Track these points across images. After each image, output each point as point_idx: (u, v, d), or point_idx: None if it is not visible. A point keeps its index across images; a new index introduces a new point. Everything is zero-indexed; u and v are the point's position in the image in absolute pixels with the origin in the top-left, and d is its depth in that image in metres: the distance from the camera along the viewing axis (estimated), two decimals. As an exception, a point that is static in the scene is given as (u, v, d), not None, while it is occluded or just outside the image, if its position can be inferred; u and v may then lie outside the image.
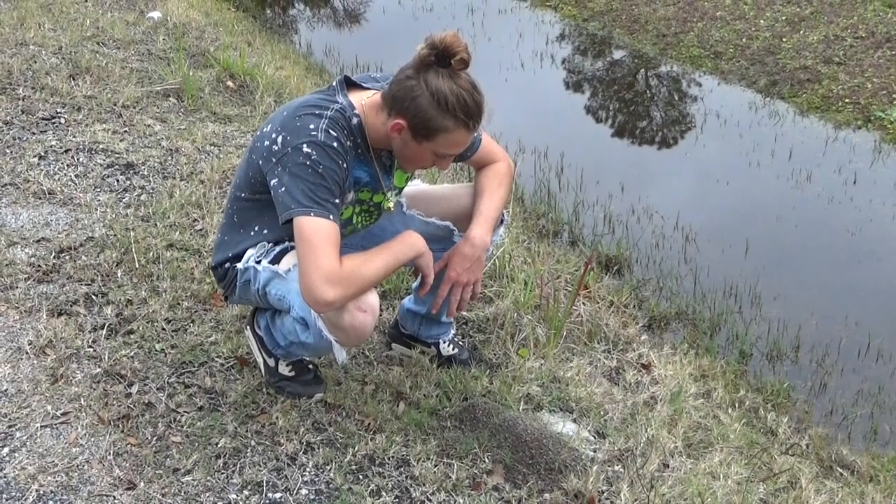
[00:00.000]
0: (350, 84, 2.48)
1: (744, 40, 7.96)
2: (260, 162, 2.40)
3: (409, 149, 2.37)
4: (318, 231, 2.26)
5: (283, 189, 2.31)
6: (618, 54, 8.60)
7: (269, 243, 2.55)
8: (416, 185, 2.87)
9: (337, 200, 2.32)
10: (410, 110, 2.28)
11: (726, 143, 6.58)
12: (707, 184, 6.01)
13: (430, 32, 2.29)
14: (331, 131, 2.32)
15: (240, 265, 2.56)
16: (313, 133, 2.31)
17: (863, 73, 7.01)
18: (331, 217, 2.28)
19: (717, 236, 5.19)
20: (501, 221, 2.82)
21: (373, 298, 2.38)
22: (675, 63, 8.09)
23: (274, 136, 2.36)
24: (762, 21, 8.14)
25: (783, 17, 8.09)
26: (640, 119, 7.46)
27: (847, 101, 6.77)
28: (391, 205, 2.63)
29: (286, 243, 2.52)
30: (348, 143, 2.38)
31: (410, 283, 3.43)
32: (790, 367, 4.21)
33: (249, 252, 2.55)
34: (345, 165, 2.35)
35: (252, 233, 2.56)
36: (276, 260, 2.49)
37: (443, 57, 2.24)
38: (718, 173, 6.09)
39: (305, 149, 2.29)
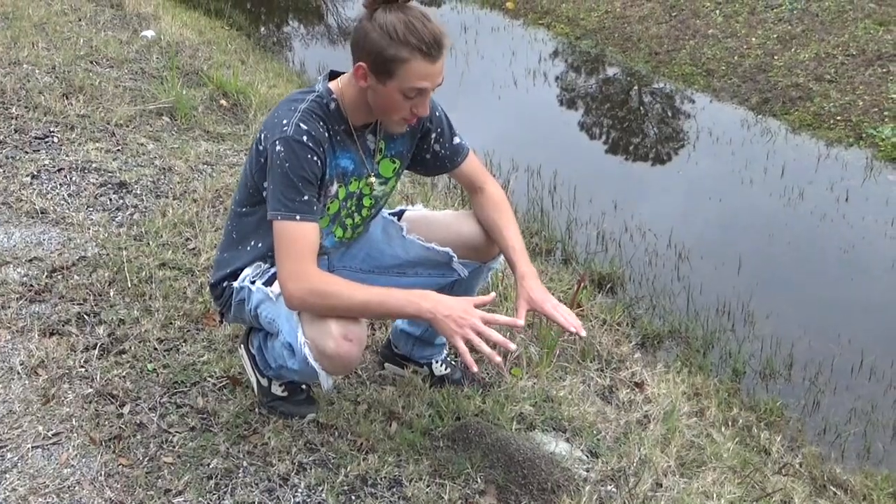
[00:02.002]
0: (335, 76, 2.48)
1: (736, 58, 7.99)
2: (250, 165, 2.43)
3: (379, 95, 2.33)
4: (282, 234, 2.30)
5: (268, 189, 2.35)
6: (610, 72, 8.63)
7: (265, 264, 2.56)
8: (417, 210, 2.86)
9: (306, 197, 2.31)
10: (366, 49, 2.26)
11: (719, 160, 6.60)
12: (699, 201, 6.03)
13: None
14: (301, 125, 2.32)
15: (236, 284, 2.57)
16: (284, 128, 2.32)
17: (854, 90, 7.04)
18: (297, 218, 2.29)
19: (710, 254, 5.20)
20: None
21: (359, 329, 2.36)
22: (667, 80, 8.12)
23: (259, 135, 2.40)
24: (754, 39, 8.18)
25: (774, 35, 8.13)
26: (632, 136, 7.48)
27: (839, 118, 6.80)
28: (376, 192, 2.61)
29: None
30: (325, 131, 2.37)
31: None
32: (783, 385, 4.21)
33: (246, 272, 2.56)
34: (315, 158, 2.33)
35: (248, 247, 2.56)
36: (269, 282, 2.49)
37: None
38: (711, 190, 6.10)
39: (277, 147, 2.31)
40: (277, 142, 2.31)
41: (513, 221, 2.69)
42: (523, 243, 2.66)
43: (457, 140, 2.65)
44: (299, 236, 2.30)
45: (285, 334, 2.40)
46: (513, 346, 2.34)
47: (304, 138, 2.31)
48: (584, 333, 2.52)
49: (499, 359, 2.29)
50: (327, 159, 2.40)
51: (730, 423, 3.59)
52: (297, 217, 2.29)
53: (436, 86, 2.33)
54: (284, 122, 2.33)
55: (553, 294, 3.87)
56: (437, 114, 2.61)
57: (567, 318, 2.51)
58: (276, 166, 2.30)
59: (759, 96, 7.38)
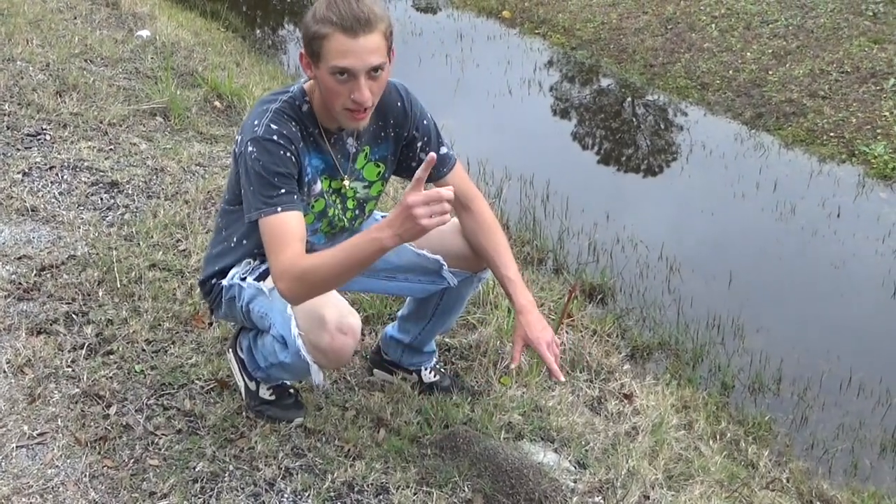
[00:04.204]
0: None
1: (730, 72, 8.01)
2: (233, 168, 2.44)
3: (320, 83, 2.30)
4: (267, 229, 2.28)
5: (246, 190, 2.34)
6: (605, 83, 8.64)
7: (254, 261, 2.55)
8: None
9: (283, 190, 2.30)
10: (303, 35, 2.27)
11: (711, 173, 6.60)
12: (692, 214, 6.03)
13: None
14: (272, 125, 2.32)
15: (225, 282, 2.56)
16: (255, 128, 2.31)
17: (847, 107, 7.06)
18: (279, 209, 2.28)
19: (701, 267, 5.20)
20: None
21: (354, 321, 2.36)
22: (661, 93, 8.13)
23: (237, 139, 2.41)
24: (749, 54, 8.20)
25: (769, 51, 8.15)
26: (626, 148, 7.48)
27: (832, 134, 6.81)
28: (360, 195, 2.60)
29: None
30: (297, 131, 2.36)
31: (394, 310, 3.42)
32: (772, 399, 4.21)
33: (234, 270, 2.55)
34: (289, 155, 2.32)
35: (233, 244, 2.56)
36: (261, 277, 2.50)
37: None
38: (703, 204, 6.11)
39: (249, 148, 2.31)
40: (249, 143, 2.31)
41: (506, 247, 2.67)
42: (518, 271, 2.65)
43: (444, 150, 2.62)
44: (283, 228, 2.28)
45: (278, 327, 2.39)
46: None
47: (275, 137, 2.31)
48: (563, 380, 2.61)
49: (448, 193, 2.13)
50: (302, 158, 2.39)
51: (718, 437, 3.59)
52: (279, 209, 2.28)
53: (366, 67, 2.23)
54: (255, 122, 2.33)
55: (543, 304, 3.89)
56: (425, 122, 2.59)
57: (556, 363, 2.57)
58: (250, 167, 2.30)
59: (753, 111, 7.39)
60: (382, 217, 2.78)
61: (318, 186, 2.47)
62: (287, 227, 2.28)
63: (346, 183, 2.54)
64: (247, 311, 2.52)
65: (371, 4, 2.22)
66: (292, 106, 2.38)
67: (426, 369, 3.07)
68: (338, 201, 2.56)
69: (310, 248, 2.48)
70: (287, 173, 2.32)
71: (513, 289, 2.61)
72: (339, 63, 2.23)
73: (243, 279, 2.52)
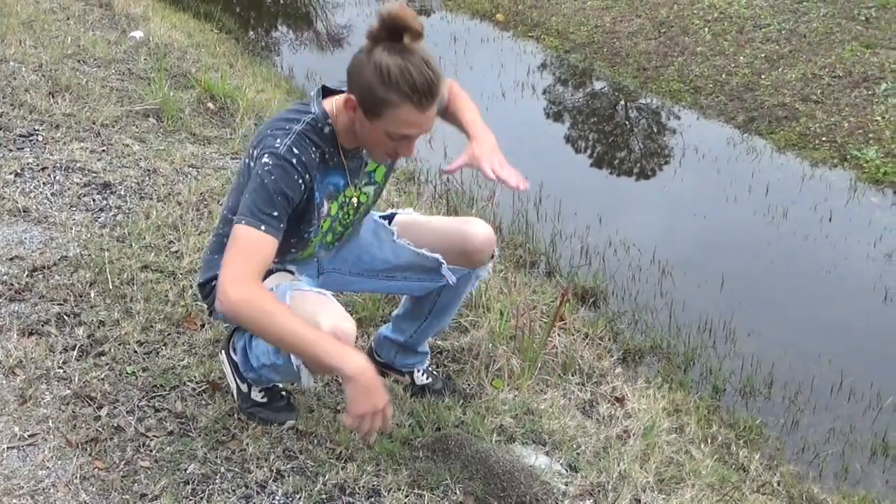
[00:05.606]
0: (327, 92, 2.47)
1: (723, 76, 8.03)
2: (243, 178, 2.42)
3: (365, 129, 2.33)
4: (242, 236, 2.27)
5: (245, 195, 2.34)
6: (598, 86, 8.65)
7: None
8: (409, 215, 2.87)
9: (276, 213, 2.30)
10: (358, 84, 2.25)
11: (704, 177, 6.62)
12: (684, 218, 6.04)
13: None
14: (294, 148, 2.33)
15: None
16: (277, 147, 2.32)
17: (839, 111, 7.08)
18: (262, 228, 2.27)
19: (693, 271, 5.21)
20: (492, 256, 2.82)
21: (349, 326, 2.36)
22: (654, 96, 8.14)
23: (250, 150, 2.41)
24: (742, 58, 8.21)
25: (762, 55, 8.17)
26: (618, 151, 7.49)
27: (824, 139, 6.83)
28: (368, 197, 2.63)
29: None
30: (316, 156, 2.38)
31: (387, 311, 3.42)
32: (763, 403, 4.22)
33: None
34: (300, 182, 2.33)
35: None
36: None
37: (393, 31, 2.19)
38: (696, 207, 6.12)
39: (265, 159, 2.31)
40: (266, 154, 2.31)
41: (466, 103, 2.66)
42: (479, 117, 2.64)
43: None
44: (258, 246, 2.28)
45: None
46: None
47: (294, 161, 2.32)
48: (525, 187, 2.49)
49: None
50: (315, 184, 2.41)
51: (709, 441, 3.60)
52: (262, 227, 2.27)
53: (424, 132, 2.32)
54: (278, 142, 2.33)
55: (536, 307, 3.90)
56: None
57: (509, 178, 2.48)
58: (259, 176, 2.30)
59: (746, 115, 7.41)
60: (380, 217, 2.82)
61: (326, 208, 2.50)
62: (261, 247, 2.28)
63: (361, 190, 2.58)
64: None
65: (437, 66, 2.23)
66: (314, 128, 2.38)
67: (419, 371, 3.07)
68: (350, 212, 2.58)
69: (312, 255, 2.53)
70: (290, 197, 2.33)
71: (472, 126, 2.60)
72: (402, 131, 2.28)
73: None
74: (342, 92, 2.43)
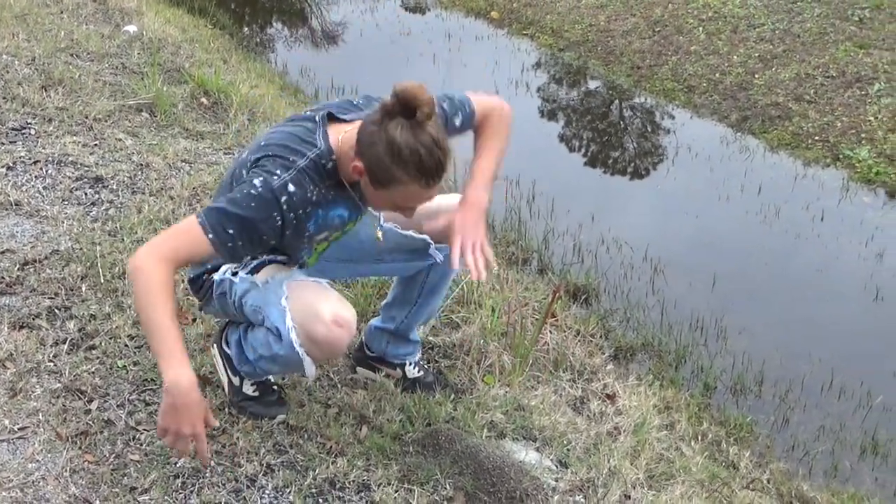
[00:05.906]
0: (332, 118, 2.44)
1: (717, 75, 8.04)
2: (234, 182, 2.41)
3: (370, 193, 2.36)
4: (185, 230, 2.28)
5: (220, 197, 2.35)
6: (592, 85, 8.66)
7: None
8: None
9: (231, 232, 2.27)
10: (368, 156, 2.25)
11: (697, 176, 6.63)
12: (676, 216, 6.05)
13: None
14: (290, 185, 2.31)
15: (216, 276, 2.57)
16: (275, 178, 2.30)
17: (832, 111, 7.09)
18: (209, 237, 2.25)
19: (685, 269, 5.22)
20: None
21: (349, 314, 2.40)
22: (648, 95, 8.15)
23: (249, 156, 2.41)
24: (735, 57, 8.23)
25: (756, 54, 8.19)
26: (612, 149, 7.50)
27: (816, 138, 6.85)
28: (377, 233, 2.68)
29: (263, 257, 2.53)
30: (313, 194, 2.36)
31: (377, 306, 3.42)
32: (753, 401, 4.23)
33: (226, 265, 2.56)
34: (279, 220, 2.31)
35: None
36: (253, 271, 2.52)
37: (406, 107, 2.18)
38: (688, 206, 6.13)
39: (257, 181, 2.30)
40: (262, 177, 2.30)
41: (495, 145, 2.64)
42: (494, 169, 2.61)
43: (458, 121, 2.58)
44: (193, 245, 2.27)
45: (272, 319, 2.40)
46: None
47: (282, 199, 2.30)
48: (483, 278, 2.49)
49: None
50: (306, 218, 2.39)
51: (699, 438, 3.60)
52: (210, 237, 2.26)
53: (428, 201, 2.36)
54: (278, 172, 2.31)
55: (527, 303, 3.90)
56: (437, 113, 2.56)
57: (476, 263, 2.46)
58: (242, 197, 2.29)
59: (739, 114, 7.42)
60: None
61: (323, 236, 2.52)
62: (196, 248, 2.27)
63: (366, 218, 2.63)
64: (239, 304, 2.52)
65: (446, 144, 2.24)
66: (317, 165, 2.36)
67: (410, 364, 3.07)
68: (350, 228, 2.61)
69: (322, 270, 2.61)
70: (254, 238, 2.31)
71: (471, 181, 2.59)
72: (407, 204, 2.34)
73: (235, 274, 2.54)
74: (345, 121, 2.42)
